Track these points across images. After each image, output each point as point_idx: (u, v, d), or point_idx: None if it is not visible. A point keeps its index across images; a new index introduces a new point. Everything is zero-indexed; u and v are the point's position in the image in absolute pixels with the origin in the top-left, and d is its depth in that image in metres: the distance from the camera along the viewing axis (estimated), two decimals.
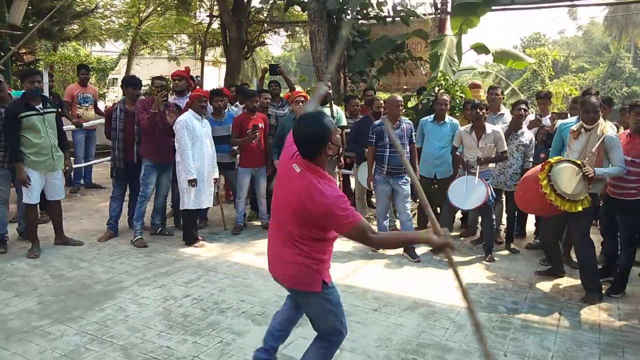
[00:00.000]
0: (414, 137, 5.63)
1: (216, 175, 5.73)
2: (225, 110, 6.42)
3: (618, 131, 5.21)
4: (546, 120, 6.19)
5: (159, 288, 4.37)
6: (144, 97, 6.12)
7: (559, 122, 5.54)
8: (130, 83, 5.74)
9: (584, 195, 4.14)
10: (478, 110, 5.34)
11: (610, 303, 4.31)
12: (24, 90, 5.16)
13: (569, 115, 5.68)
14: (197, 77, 9.36)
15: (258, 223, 6.52)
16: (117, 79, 19.57)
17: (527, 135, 5.67)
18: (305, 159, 2.47)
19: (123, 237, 5.76)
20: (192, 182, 5.31)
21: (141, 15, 17.82)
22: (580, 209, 4.14)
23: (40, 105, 5.02)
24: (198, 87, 8.03)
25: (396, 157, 5.37)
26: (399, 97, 5.68)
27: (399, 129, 5.44)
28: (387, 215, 5.73)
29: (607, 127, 4.38)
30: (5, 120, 4.93)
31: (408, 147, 5.51)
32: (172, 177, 5.80)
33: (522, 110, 5.68)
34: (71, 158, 5.93)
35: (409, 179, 5.54)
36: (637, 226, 4.47)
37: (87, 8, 16.01)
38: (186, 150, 5.30)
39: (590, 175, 4.13)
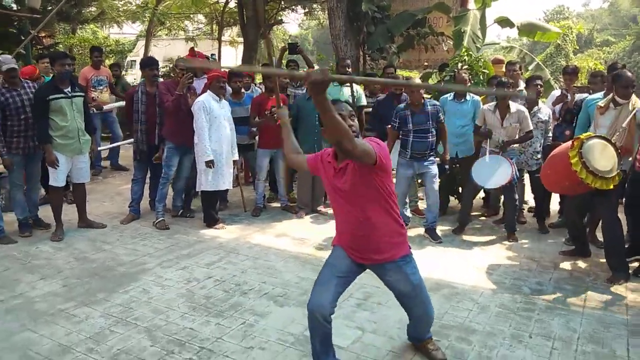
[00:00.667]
0: (441, 117, 5.43)
1: (235, 157, 5.72)
2: (247, 91, 6.39)
3: None
4: (557, 92, 6.05)
5: (182, 270, 4.41)
6: (165, 79, 6.12)
7: (582, 97, 5.38)
8: (147, 64, 5.74)
9: (616, 171, 4.00)
10: (503, 89, 5.20)
11: (637, 283, 4.20)
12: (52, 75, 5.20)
13: (591, 91, 5.49)
14: (212, 55, 9.28)
15: (277, 204, 6.51)
16: (135, 61, 19.57)
17: (545, 111, 5.53)
18: None
19: (145, 219, 5.82)
20: (209, 164, 5.30)
21: None
22: (612, 186, 4.01)
23: (69, 89, 5.06)
24: None
25: (421, 142, 5.21)
26: (417, 80, 5.53)
27: (423, 113, 5.23)
28: (407, 201, 5.65)
29: (638, 102, 4.22)
30: (35, 103, 5.00)
31: (434, 130, 5.30)
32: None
33: (538, 87, 5.53)
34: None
35: (434, 159, 5.41)
36: None
37: None
38: (203, 132, 5.28)
39: (630, 148, 4.00)
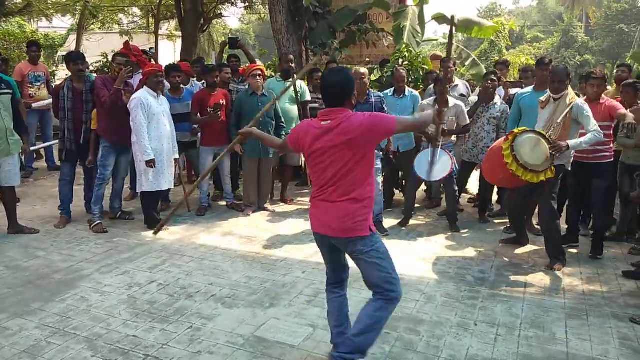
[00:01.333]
0: (385, 108, 5.49)
1: (176, 156, 5.52)
2: (185, 87, 6.18)
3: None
4: (501, 90, 6.26)
5: (122, 275, 4.21)
6: (99, 74, 5.84)
7: (515, 91, 5.60)
8: (72, 59, 5.42)
9: (547, 166, 4.18)
10: (440, 85, 5.31)
11: (572, 268, 4.44)
12: None
13: (523, 85, 5.72)
14: (150, 49, 8.93)
15: (223, 203, 6.37)
16: (64, 55, 18.56)
17: (499, 107, 5.67)
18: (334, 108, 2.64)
19: (81, 222, 5.53)
20: (150, 163, 5.10)
21: None
22: (543, 179, 4.19)
23: None
24: (152, 61, 7.72)
25: None
26: (363, 70, 5.54)
27: (367, 103, 5.25)
28: None
29: (575, 97, 4.42)
30: None
31: None
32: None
33: (490, 82, 5.68)
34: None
35: (378, 153, 5.46)
36: (610, 187, 4.68)
37: None
38: (142, 130, 5.07)
39: (562, 150, 4.16)
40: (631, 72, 5.84)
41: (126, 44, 6.50)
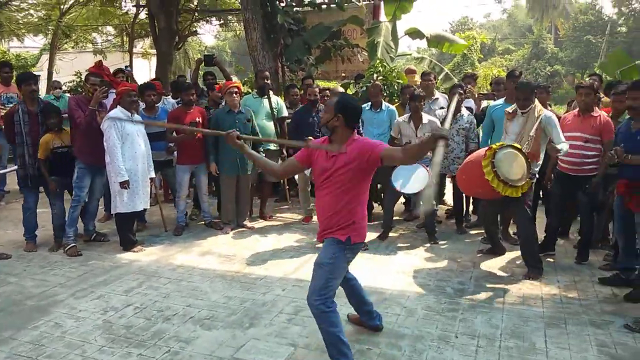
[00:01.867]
0: (360, 127, 5.59)
1: (152, 175, 5.45)
2: (159, 105, 6.14)
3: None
4: (470, 102, 6.38)
5: (97, 299, 4.11)
6: (72, 95, 5.73)
7: (485, 103, 5.71)
8: (24, 79, 5.29)
9: (525, 180, 4.26)
10: (416, 103, 5.38)
11: (550, 276, 4.49)
12: None
13: (495, 97, 5.84)
14: (127, 67, 8.83)
15: (202, 222, 6.30)
16: (39, 76, 18.30)
17: (467, 118, 5.77)
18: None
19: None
20: (124, 184, 5.01)
21: (62, 7, 16.73)
22: (520, 193, 4.27)
23: None
24: (126, 80, 7.65)
25: None
26: (340, 89, 5.65)
27: None
28: None
29: (542, 109, 4.51)
30: None
31: None
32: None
33: (458, 95, 5.77)
34: None
35: None
36: (596, 199, 4.77)
37: None
38: (115, 151, 4.99)
39: (538, 155, 4.26)
40: (602, 81, 6.00)
41: (98, 63, 6.41)
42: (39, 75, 5.73)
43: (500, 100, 5.26)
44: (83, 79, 7.89)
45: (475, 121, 5.80)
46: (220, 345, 3.33)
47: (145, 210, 5.66)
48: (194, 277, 4.55)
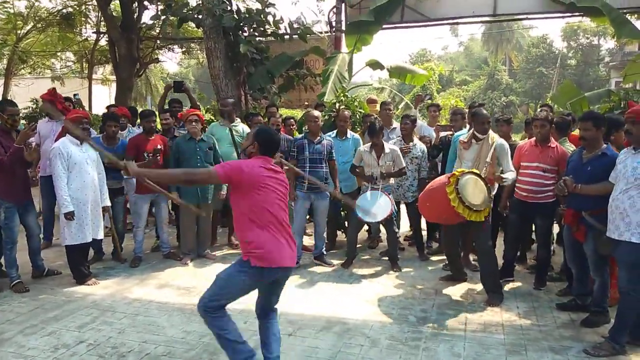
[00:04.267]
0: (333, 154, 5.65)
1: (106, 203, 5.26)
2: (123, 132, 6.04)
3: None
4: (429, 130, 6.56)
5: (48, 336, 3.89)
6: (27, 121, 5.46)
7: (446, 134, 5.89)
8: None
9: (487, 204, 4.36)
10: (375, 138, 5.46)
11: (510, 303, 4.56)
12: None
13: (452, 129, 6.01)
14: (75, 95, 8.50)
15: (160, 253, 6.11)
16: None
17: (419, 147, 5.95)
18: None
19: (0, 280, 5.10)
20: (68, 216, 4.81)
21: (19, 32, 16.35)
22: (483, 218, 4.37)
23: None
24: (77, 107, 7.49)
25: (316, 172, 5.43)
26: (317, 113, 5.72)
27: (319, 144, 5.55)
28: (302, 233, 5.79)
29: (495, 136, 4.68)
30: None
31: (325, 163, 5.57)
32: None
33: (408, 125, 5.97)
34: None
35: (328, 194, 5.57)
36: (551, 225, 4.92)
37: None
38: (59, 182, 4.80)
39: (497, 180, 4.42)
40: (553, 111, 6.25)
41: (52, 90, 6.26)
42: None
43: (465, 130, 5.42)
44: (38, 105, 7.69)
45: (426, 150, 5.96)
46: None
47: (101, 240, 5.45)
48: (150, 311, 4.38)
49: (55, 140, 5.18)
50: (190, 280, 5.19)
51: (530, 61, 40.01)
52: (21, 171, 4.87)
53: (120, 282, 5.14)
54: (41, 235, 5.52)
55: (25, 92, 16.64)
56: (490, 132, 4.73)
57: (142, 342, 3.77)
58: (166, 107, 7.29)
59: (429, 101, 7.99)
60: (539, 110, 6.56)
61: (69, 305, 4.51)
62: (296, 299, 4.69)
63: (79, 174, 4.91)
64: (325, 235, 5.93)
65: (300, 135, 5.74)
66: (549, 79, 36.72)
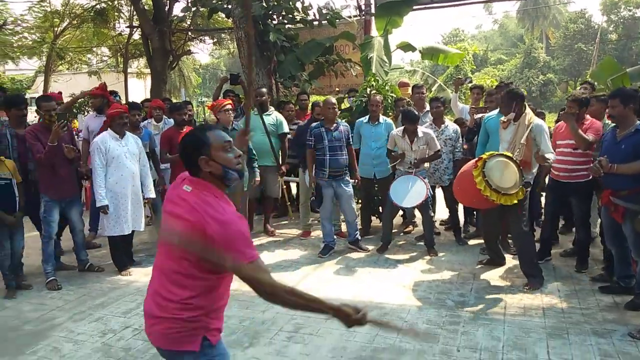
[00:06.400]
0: (351, 140, 5.66)
1: (151, 195, 5.38)
2: (159, 124, 6.18)
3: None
4: (465, 113, 6.43)
5: (96, 322, 4.07)
6: (31, 123, 5.50)
7: (480, 115, 5.77)
8: (13, 103, 5.00)
9: (518, 187, 4.28)
10: (412, 126, 5.37)
11: (551, 285, 4.48)
12: None
13: (487, 110, 5.88)
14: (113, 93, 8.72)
15: None
16: (34, 98, 18.35)
17: (451, 128, 5.87)
18: (194, 177, 2.07)
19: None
20: (103, 210, 4.94)
21: (56, 29, 16.85)
22: (515, 201, 4.28)
23: None
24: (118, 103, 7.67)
25: (336, 160, 5.40)
26: (333, 100, 5.68)
27: (336, 131, 5.49)
28: (332, 219, 5.75)
29: (533, 117, 4.55)
30: None
31: (345, 149, 5.52)
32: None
33: (436, 108, 5.91)
34: None
35: (350, 180, 5.59)
36: (588, 205, 4.81)
37: None
38: (96, 176, 4.94)
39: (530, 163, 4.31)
40: (594, 89, 6.05)
41: (103, 85, 6.45)
42: (25, 99, 5.48)
43: (495, 111, 5.30)
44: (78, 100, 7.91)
45: (459, 131, 5.88)
46: None
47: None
48: None
49: (98, 134, 5.30)
50: None
51: (568, 37, 38.56)
52: (64, 167, 4.92)
53: None
54: (88, 228, 5.71)
55: (65, 87, 17.16)
56: (528, 112, 4.59)
57: None
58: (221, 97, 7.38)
59: (470, 84, 7.76)
60: (579, 88, 6.35)
61: (114, 292, 4.70)
62: (332, 283, 4.74)
63: (117, 167, 5.03)
64: (357, 221, 5.86)
65: (315, 124, 5.67)
66: (589, 56, 35.33)
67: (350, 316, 1.89)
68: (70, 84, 18.40)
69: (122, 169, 5.05)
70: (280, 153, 6.48)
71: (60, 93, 6.52)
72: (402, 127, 5.52)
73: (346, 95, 8.15)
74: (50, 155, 4.77)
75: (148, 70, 14.86)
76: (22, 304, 4.50)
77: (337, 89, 9.34)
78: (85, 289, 4.82)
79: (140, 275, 5.11)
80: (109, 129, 5.12)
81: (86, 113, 9.99)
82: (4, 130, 4.92)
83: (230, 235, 1.88)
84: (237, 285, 4.61)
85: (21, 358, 3.51)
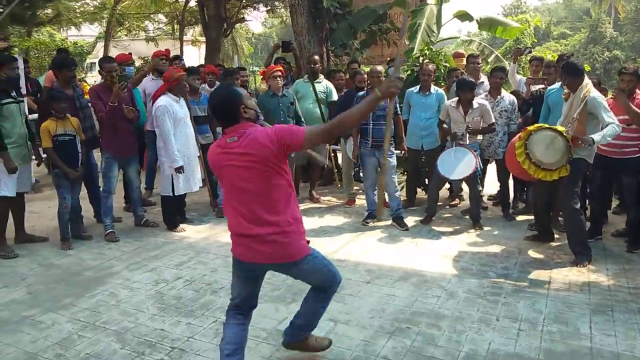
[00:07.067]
0: (398, 109, 5.61)
1: (198, 154, 5.59)
2: (212, 89, 6.30)
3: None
4: (522, 85, 6.22)
5: (150, 272, 4.34)
6: (97, 84, 5.78)
7: (537, 87, 5.56)
8: (65, 64, 5.27)
9: (562, 163, 4.14)
10: (469, 93, 5.27)
11: (598, 263, 4.37)
12: None
13: (545, 82, 5.67)
14: (178, 58, 9.01)
15: None
16: (94, 63, 19.08)
17: (507, 99, 5.69)
18: (231, 127, 2.52)
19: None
20: (180, 170, 5.18)
21: None
22: (555, 177, 4.17)
23: (14, 93, 4.76)
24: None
25: (380, 129, 5.38)
26: (379, 68, 5.62)
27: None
28: (376, 187, 5.73)
29: (591, 89, 4.33)
30: None
31: (393, 119, 5.48)
32: None
33: (499, 79, 5.71)
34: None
35: (394, 150, 5.56)
36: (638, 182, 4.63)
37: None
38: (169, 138, 5.12)
39: (587, 144, 4.12)
40: None
41: (167, 50, 6.69)
42: (75, 61, 5.73)
43: (557, 84, 5.10)
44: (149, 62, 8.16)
45: (516, 102, 5.70)
46: (264, 317, 3.46)
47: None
48: None
49: (153, 99, 5.46)
50: None
51: (639, 11, 36.06)
52: (125, 127, 5.17)
53: (212, 228, 5.54)
54: (143, 186, 6.01)
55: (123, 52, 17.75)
56: (586, 85, 4.37)
57: None
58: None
59: (529, 55, 7.43)
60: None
61: (168, 246, 4.96)
62: (375, 250, 4.81)
63: (182, 129, 5.24)
64: (399, 194, 5.68)
65: (362, 92, 5.62)
66: None
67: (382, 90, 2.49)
68: (128, 49, 18.98)
69: (185, 131, 5.28)
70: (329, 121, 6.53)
71: (130, 54, 6.80)
72: (457, 98, 5.42)
73: (387, 65, 8.01)
74: (111, 114, 5.02)
75: (203, 38, 15.15)
76: (83, 252, 4.83)
77: (388, 58, 9.19)
78: (141, 242, 5.11)
79: (192, 233, 5.36)
80: (168, 92, 5.27)
81: None
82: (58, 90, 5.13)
83: (281, 129, 2.44)
84: None
85: (82, 300, 3.80)
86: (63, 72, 5.23)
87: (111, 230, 5.23)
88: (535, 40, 29.67)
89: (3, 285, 4.09)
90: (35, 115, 6.86)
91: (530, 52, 7.83)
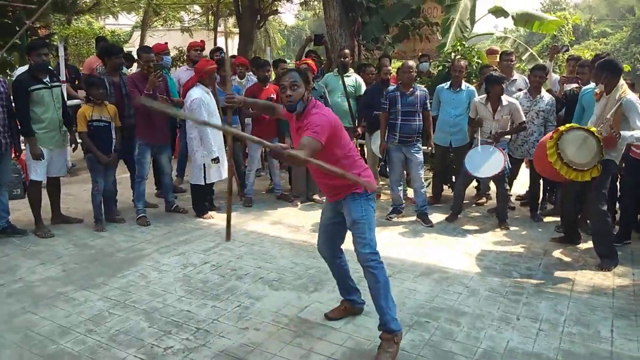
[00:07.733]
0: (428, 105, 5.59)
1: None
2: (242, 81, 6.45)
3: None
4: (555, 84, 6.11)
5: (179, 255, 4.49)
6: (133, 72, 5.93)
7: (571, 87, 5.45)
8: (113, 52, 5.45)
9: (594, 164, 4.09)
10: (497, 87, 5.21)
11: (624, 268, 4.31)
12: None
13: (579, 81, 5.56)
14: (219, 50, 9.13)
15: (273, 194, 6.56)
16: (131, 51, 19.52)
17: (546, 99, 5.56)
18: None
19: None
20: (216, 160, 5.34)
21: None
22: (587, 178, 4.11)
23: (47, 79, 4.88)
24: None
25: (408, 125, 5.38)
26: (411, 63, 5.60)
27: (412, 95, 5.42)
28: (401, 183, 5.75)
29: (627, 91, 4.25)
30: (16, 94, 4.76)
31: (421, 115, 5.48)
32: None
33: (539, 77, 5.59)
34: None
35: (421, 146, 5.56)
36: None
37: None
38: (206, 130, 5.26)
39: (615, 139, 4.04)
40: None
41: (203, 42, 6.86)
42: (130, 51, 5.95)
43: (592, 84, 5.01)
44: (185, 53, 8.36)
45: (555, 103, 5.59)
46: (287, 304, 3.56)
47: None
48: (264, 243, 4.83)
49: (184, 89, 5.58)
50: (300, 220, 5.57)
51: None
52: (158, 115, 5.28)
53: (239, 217, 5.65)
54: (174, 173, 6.18)
55: (159, 42, 18.07)
56: (621, 86, 4.29)
57: (257, 268, 4.22)
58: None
59: (567, 53, 7.27)
60: None
61: (196, 232, 5.11)
62: (397, 245, 4.85)
63: (215, 120, 5.33)
64: (425, 190, 5.65)
65: (392, 87, 5.62)
66: None
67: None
68: (164, 39, 19.30)
69: (217, 122, 5.36)
70: (357, 115, 6.57)
71: (166, 43, 6.99)
72: (485, 95, 5.38)
73: (432, 60, 7.97)
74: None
75: (236, 30, 15.28)
76: (116, 235, 5.02)
77: (420, 54, 9.16)
78: (171, 227, 5.28)
79: (220, 220, 5.48)
80: (199, 83, 5.38)
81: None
82: (104, 78, 5.32)
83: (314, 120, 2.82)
84: (305, 237, 4.84)
85: (114, 279, 3.97)
86: (112, 60, 5.39)
87: (143, 214, 5.40)
88: (574, 38, 28.86)
89: (40, 262, 4.30)
90: (75, 101, 7.12)
91: (567, 49, 7.66)
